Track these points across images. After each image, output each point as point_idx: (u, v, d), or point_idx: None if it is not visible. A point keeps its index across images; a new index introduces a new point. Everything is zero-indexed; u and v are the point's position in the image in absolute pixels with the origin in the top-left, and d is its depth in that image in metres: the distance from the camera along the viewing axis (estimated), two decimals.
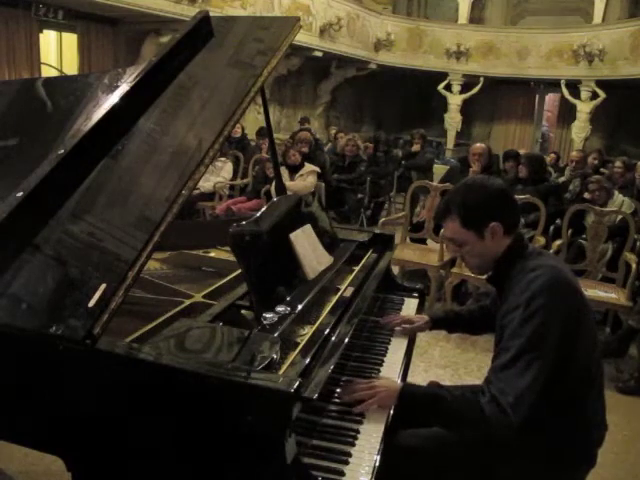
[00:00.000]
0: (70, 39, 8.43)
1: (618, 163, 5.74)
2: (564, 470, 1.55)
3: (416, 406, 1.52)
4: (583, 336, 1.51)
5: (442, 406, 1.46)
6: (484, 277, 1.75)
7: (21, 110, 1.95)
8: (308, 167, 5.75)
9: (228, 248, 1.93)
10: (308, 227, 1.93)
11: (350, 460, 1.30)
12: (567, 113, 12.72)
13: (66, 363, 1.20)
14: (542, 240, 4.31)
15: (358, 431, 1.41)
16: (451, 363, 3.59)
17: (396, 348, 1.89)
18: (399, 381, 1.70)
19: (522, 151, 7.44)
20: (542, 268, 1.51)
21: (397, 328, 1.97)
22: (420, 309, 2.28)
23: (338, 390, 1.53)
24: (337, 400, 1.51)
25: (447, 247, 1.73)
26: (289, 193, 2.47)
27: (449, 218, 1.62)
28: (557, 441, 1.51)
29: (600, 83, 11.41)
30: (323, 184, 6.01)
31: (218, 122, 1.60)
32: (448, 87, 12.90)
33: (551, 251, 4.15)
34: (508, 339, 1.47)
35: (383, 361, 1.79)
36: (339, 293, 1.81)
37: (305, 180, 5.67)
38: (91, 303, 1.17)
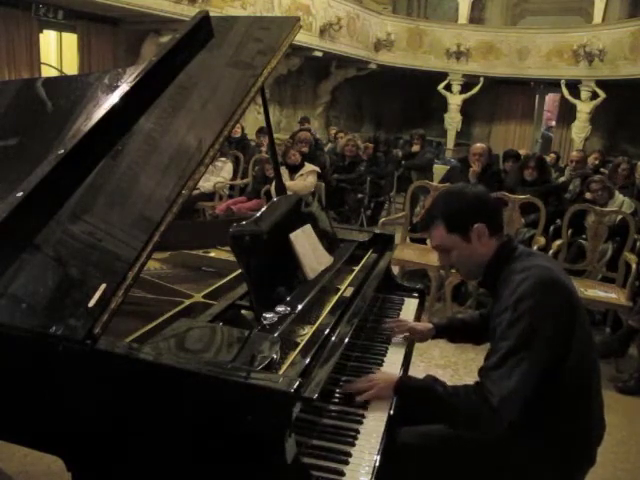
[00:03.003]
0: (70, 39, 8.42)
1: (624, 165, 5.73)
2: (563, 469, 1.55)
3: (412, 398, 1.56)
4: (577, 334, 1.51)
5: (436, 400, 1.50)
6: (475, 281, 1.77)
7: (21, 110, 1.95)
8: (308, 167, 5.75)
9: (228, 248, 1.93)
10: (308, 227, 1.93)
11: (350, 460, 1.30)
12: (567, 113, 12.71)
13: (66, 363, 1.20)
14: (542, 240, 4.32)
15: (358, 431, 1.41)
16: (451, 363, 3.59)
17: (396, 348, 1.89)
18: None
19: (522, 151, 7.44)
20: (530, 269, 1.52)
21: (399, 336, 1.95)
22: (420, 309, 2.28)
23: (338, 390, 1.55)
24: (337, 396, 1.52)
25: (439, 257, 1.74)
26: (289, 193, 2.47)
27: (434, 226, 1.64)
28: (556, 440, 1.51)
29: (600, 83, 11.40)
30: (323, 184, 6.00)
31: (218, 122, 1.60)
32: (448, 87, 12.89)
33: (551, 251, 4.16)
34: (497, 341, 1.49)
35: (383, 361, 1.79)
36: (339, 293, 1.81)
37: (305, 180, 5.67)
38: (91, 303, 1.17)
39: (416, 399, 1.56)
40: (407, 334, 1.95)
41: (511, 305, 1.47)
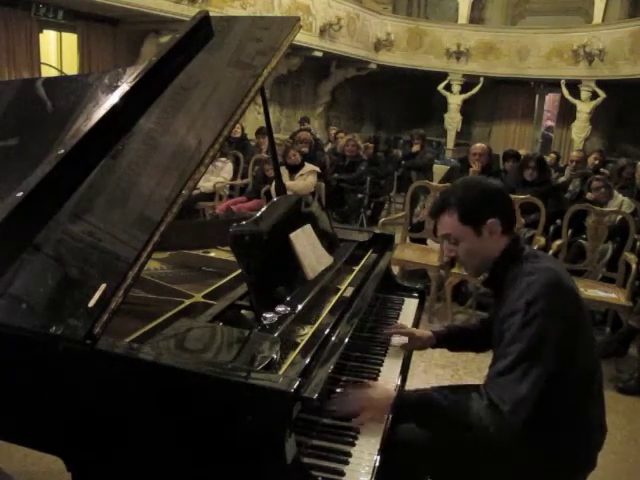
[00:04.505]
0: (70, 39, 8.42)
1: (629, 169, 5.73)
2: (563, 473, 1.55)
3: (412, 414, 1.52)
4: (582, 339, 1.50)
5: (438, 413, 1.46)
6: (479, 278, 1.74)
7: (21, 110, 1.95)
8: (308, 167, 5.75)
9: (228, 248, 1.93)
10: (308, 227, 1.93)
11: (350, 460, 1.30)
12: (567, 113, 12.71)
13: (66, 363, 1.20)
14: (542, 240, 4.32)
15: (358, 431, 1.41)
16: (451, 363, 3.58)
17: (396, 348, 1.89)
18: (398, 382, 1.70)
19: (522, 151, 7.45)
20: (539, 272, 1.49)
21: (396, 340, 1.90)
22: (420, 309, 2.28)
23: (332, 397, 1.50)
24: (331, 415, 1.46)
25: (443, 247, 1.70)
26: (289, 193, 2.47)
27: (446, 213, 1.58)
28: (557, 444, 1.50)
29: (600, 83, 11.40)
30: (323, 184, 6.01)
31: (218, 122, 1.60)
32: (448, 87, 12.89)
33: (551, 251, 4.16)
34: (507, 345, 1.45)
35: (383, 361, 1.79)
36: (339, 293, 1.81)
37: (305, 180, 5.67)
38: (91, 303, 1.17)
39: (416, 415, 1.51)
40: (406, 340, 1.90)
41: (521, 308, 1.43)
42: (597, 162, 6.72)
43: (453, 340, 1.95)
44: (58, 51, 8.72)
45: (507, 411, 1.37)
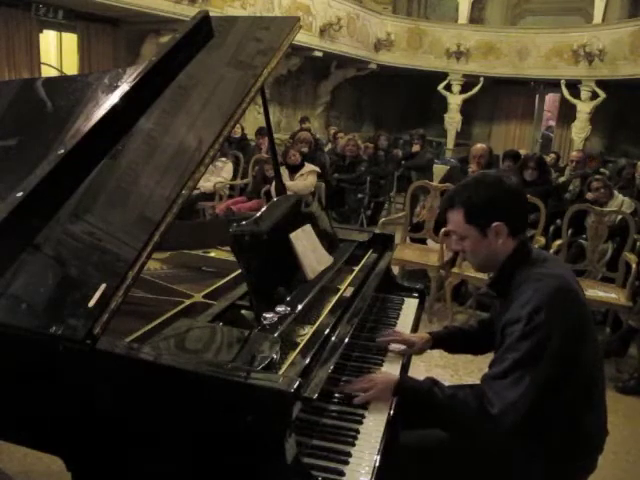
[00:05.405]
0: (70, 39, 8.42)
1: (628, 169, 5.74)
2: (564, 475, 1.55)
3: (411, 400, 1.54)
4: (586, 347, 1.50)
5: (435, 404, 1.49)
6: (483, 274, 1.74)
7: (21, 110, 1.95)
8: (308, 167, 5.75)
9: (228, 248, 1.93)
10: (308, 227, 1.93)
11: (350, 460, 1.30)
12: (567, 113, 12.71)
13: (66, 363, 1.20)
14: (542, 240, 4.32)
15: (358, 431, 1.41)
16: (451, 364, 3.58)
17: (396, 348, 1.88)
18: None
19: (522, 151, 7.44)
20: (547, 278, 1.47)
21: (393, 346, 1.84)
22: (420, 309, 2.28)
23: (337, 389, 1.54)
24: (337, 396, 1.51)
25: (449, 242, 1.69)
26: (289, 193, 2.47)
27: (454, 209, 1.58)
28: (557, 447, 1.50)
29: (600, 83, 11.39)
30: (323, 184, 6.01)
31: (218, 122, 1.60)
32: (448, 87, 12.89)
33: (551, 251, 4.15)
34: (505, 351, 1.45)
35: (383, 361, 1.79)
36: (339, 293, 1.81)
37: (305, 180, 5.67)
38: (91, 303, 1.17)
39: (415, 401, 1.54)
40: (404, 347, 1.86)
41: (524, 317, 1.42)
42: (595, 164, 6.73)
43: (451, 342, 1.94)
44: (58, 51, 8.72)
45: (494, 414, 1.39)
